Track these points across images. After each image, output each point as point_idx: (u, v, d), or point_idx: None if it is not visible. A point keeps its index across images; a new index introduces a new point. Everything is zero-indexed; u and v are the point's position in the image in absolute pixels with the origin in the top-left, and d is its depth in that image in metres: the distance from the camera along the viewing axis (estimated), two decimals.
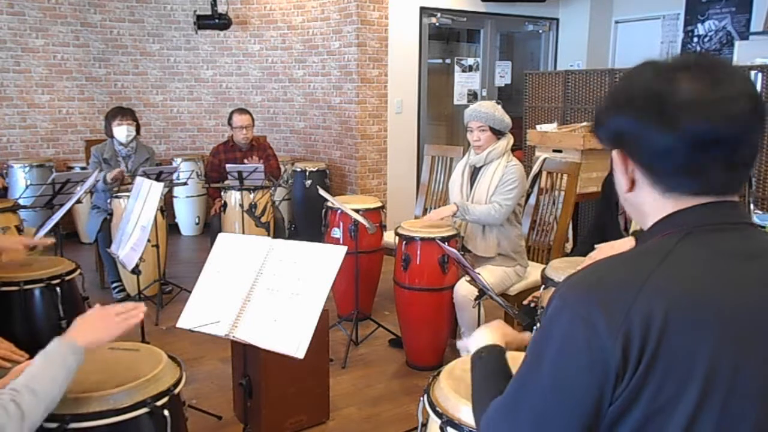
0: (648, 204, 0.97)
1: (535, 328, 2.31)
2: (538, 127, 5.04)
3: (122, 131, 4.36)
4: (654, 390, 0.84)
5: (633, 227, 2.54)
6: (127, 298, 4.28)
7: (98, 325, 1.51)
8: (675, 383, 0.84)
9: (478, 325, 2.73)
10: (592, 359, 0.86)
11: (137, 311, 1.58)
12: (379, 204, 4.01)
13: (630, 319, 0.85)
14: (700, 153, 0.88)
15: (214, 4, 6.02)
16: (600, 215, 2.79)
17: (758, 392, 0.85)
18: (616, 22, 6.87)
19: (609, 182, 2.73)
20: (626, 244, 2.20)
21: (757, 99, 0.90)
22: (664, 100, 0.88)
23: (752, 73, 3.68)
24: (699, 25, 6.13)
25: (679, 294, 0.86)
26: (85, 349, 1.44)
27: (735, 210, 0.94)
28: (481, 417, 1.03)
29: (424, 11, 6.07)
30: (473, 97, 6.68)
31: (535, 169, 4.36)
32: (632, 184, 0.97)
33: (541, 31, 7.09)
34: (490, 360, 1.18)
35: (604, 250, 2.21)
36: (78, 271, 2.61)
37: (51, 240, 2.67)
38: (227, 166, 4.37)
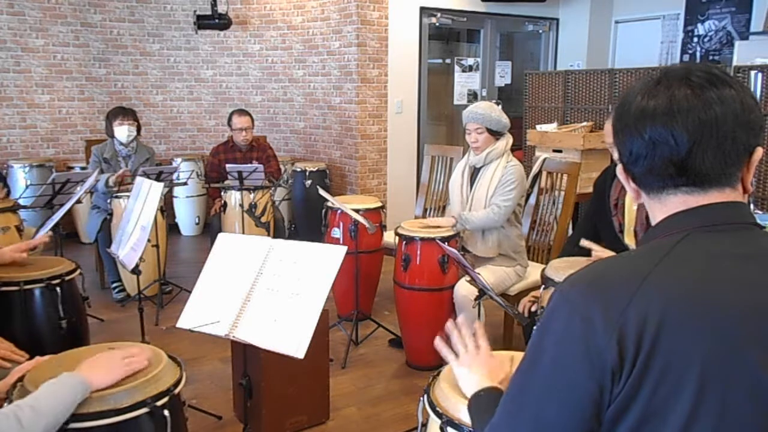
0: (650, 209, 1.01)
1: (535, 328, 2.31)
2: (538, 127, 5.04)
3: (123, 131, 4.37)
4: (650, 390, 0.85)
5: (627, 229, 2.53)
6: (127, 298, 4.29)
7: (105, 366, 1.55)
8: (671, 384, 0.84)
9: None
10: (589, 356, 0.87)
11: (141, 358, 1.62)
12: (379, 204, 4.00)
13: (626, 318, 0.85)
14: (657, 155, 0.93)
15: (214, 4, 6.02)
16: (591, 215, 2.78)
17: (755, 394, 0.84)
18: (616, 22, 6.87)
19: (602, 183, 2.71)
20: None
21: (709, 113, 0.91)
22: (626, 111, 0.97)
23: (752, 73, 3.68)
24: (699, 25, 6.13)
25: (675, 294, 0.87)
26: (91, 387, 1.48)
27: (737, 210, 0.94)
28: None
29: (424, 11, 6.07)
30: (473, 97, 6.68)
31: (535, 169, 4.36)
32: (637, 193, 1.01)
33: (541, 31, 7.09)
34: (489, 398, 1.19)
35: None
36: (78, 271, 2.61)
37: (46, 237, 2.67)
38: (227, 166, 4.36)
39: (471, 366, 1.32)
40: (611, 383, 0.86)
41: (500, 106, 3.37)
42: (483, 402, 1.19)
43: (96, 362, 1.55)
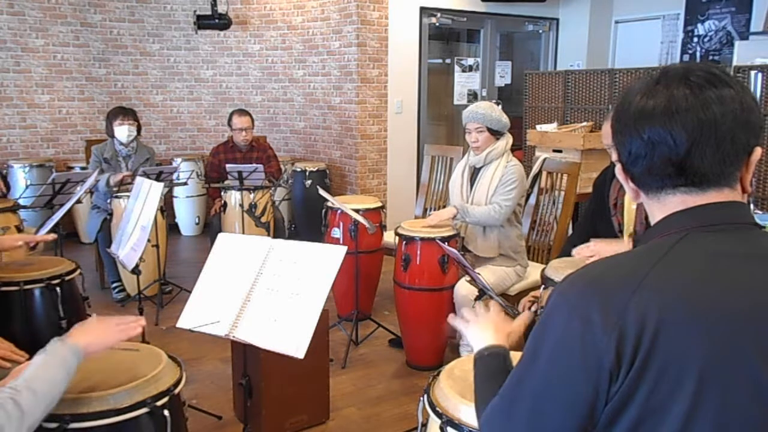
0: (649, 208, 1.01)
1: (534, 327, 2.31)
2: (538, 127, 5.04)
3: (123, 131, 4.37)
4: (648, 390, 0.85)
5: (626, 229, 2.53)
6: (127, 298, 4.29)
7: (98, 330, 1.53)
8: (669, 383, 0.84)
9: None
10: (586, 356, 0.87)
11: (136, 324, 1.60)
12: (379, 204, 4.01)
13: (625, 318, 0.85)
14: (656, 155, 0.93)
15: (214, 4, 6.02)
16: (590, 216, 2.77)
17: (754, 394, 0.84)
18: (616, 22, 6.87)
19: (601, 183, 2.71)
20: (622, 245, 2.20)
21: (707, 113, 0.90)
22: (625, 111, 0.96)
23: (752, 73, 3.68)
24: (699, 25, 6.13)
25: (674, 294, 0.86)
26: (85, 351, 1.45)
27: (736, 210, 0.94)
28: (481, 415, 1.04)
29: (424, 11, 6.07)
30: (473, 97, 6.68)
31: (535, 169, 4.36)
32: (636, 193, 1.01)
33: (541, 31, 7.09)
34: (492, 360, 1.19)
35: (600, 246, 2.21)
36: (78, 271, 2.62)
37: (53, 236, 2.67)
38: (227, 166, 4.36)
39: (480, 324, 1.32)
40: (608, 383, 0.86)
41: (500, 106, 3.37)
42: (486, 364, 1.19)
43: (87, 328, 1.53)
